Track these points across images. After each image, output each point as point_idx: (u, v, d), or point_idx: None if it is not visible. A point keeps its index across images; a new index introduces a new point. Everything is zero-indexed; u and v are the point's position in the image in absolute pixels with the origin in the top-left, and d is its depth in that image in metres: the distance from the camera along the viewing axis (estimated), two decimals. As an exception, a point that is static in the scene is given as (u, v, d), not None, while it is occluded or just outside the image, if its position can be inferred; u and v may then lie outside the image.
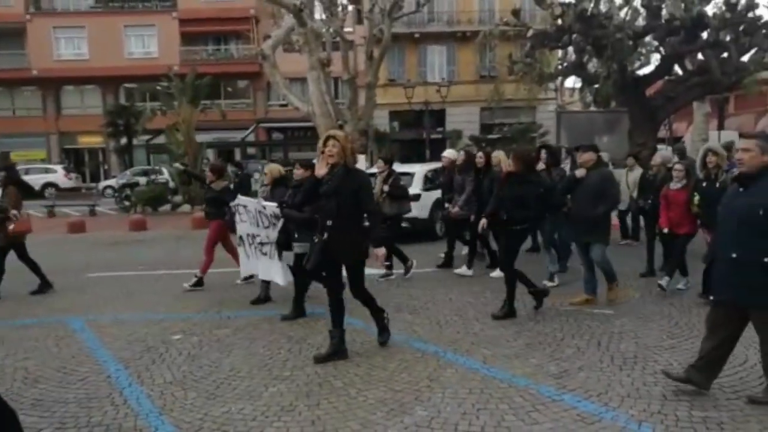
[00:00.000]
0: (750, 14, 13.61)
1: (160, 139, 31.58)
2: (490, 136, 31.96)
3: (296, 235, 6.31)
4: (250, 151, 33.23)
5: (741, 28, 13.73)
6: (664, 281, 6.93)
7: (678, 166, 7.27)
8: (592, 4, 13.34)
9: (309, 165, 6.55)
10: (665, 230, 7.21)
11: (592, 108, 29.39)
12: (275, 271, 6.70)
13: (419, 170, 12.15)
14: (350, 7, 31.44)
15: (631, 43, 13.86)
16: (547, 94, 27.23)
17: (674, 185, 7.12)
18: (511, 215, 6.25)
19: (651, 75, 15.73)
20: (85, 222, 16.44)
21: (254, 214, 6.81)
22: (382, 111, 32.12)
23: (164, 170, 25.67)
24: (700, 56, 15.02)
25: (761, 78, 18.43)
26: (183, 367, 5.03)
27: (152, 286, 8.40)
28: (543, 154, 8.17)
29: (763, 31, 13.76)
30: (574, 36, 13.65)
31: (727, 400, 4.07)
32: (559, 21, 13.47)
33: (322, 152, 4.90)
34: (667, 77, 15.91)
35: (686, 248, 7.11)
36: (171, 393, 4.47)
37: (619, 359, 4.94)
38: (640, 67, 17.62)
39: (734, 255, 3.69)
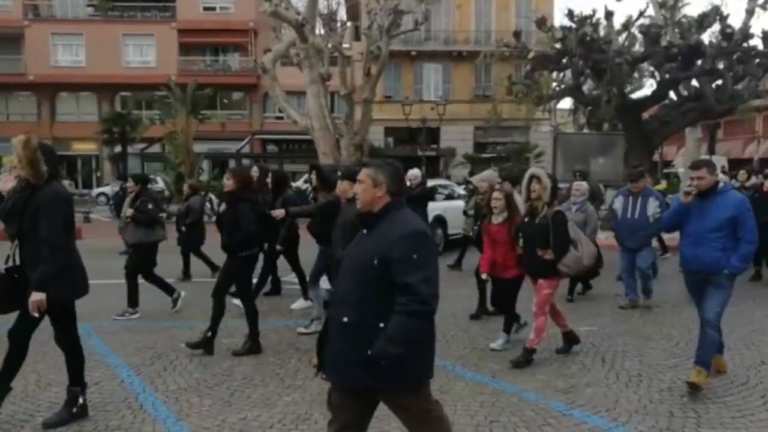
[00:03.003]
0: (745, 44, 13.99)
1: (155, 148, 31.75)
2: (484, 155, 32.33)
3: None
4: (245, 162, 33.29)
5: (735, 56, 14.09)
6: (497, 343, 5.76)
7: (496, 194, 5.82)
8: (592, 29, 13.64)
9: None
10: (483, 276, 5.98)
11: (585, 130, 29.80)
12: None
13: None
14: (349, 24, 31.86)
15: (628, 68, 14.17)
16: (543, 115, 27.62)
17: (495, 219, 5.79)
18: (230, 240, 5.57)
19: (647, 99, 16.07)
20: (81, 229, 16.36)
21: None
22: (378, 127, 32.36)
23: (159, 179, 25.66)
24: (695, 83, 15.39)
25: (752, 105, 18.88)
26: (195, 374, 5.08)
27: (155, 294, 8.41)
28: (313, 175, 6.85)
29: (757, 60, 14.14)
30: (574, 59, 13.94)
31: (732, 418, 4.19)
32: (558, 45, 13.75)
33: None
34: (662, 102, 16.25)
35: (516, 296, 5.87)
36: (186, 399, 4.53)
37: (625, 376, 5.05)
38: (633, 91, 17.92)
39: (346, 319, 2.71)
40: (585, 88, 16.75)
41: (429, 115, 27.98)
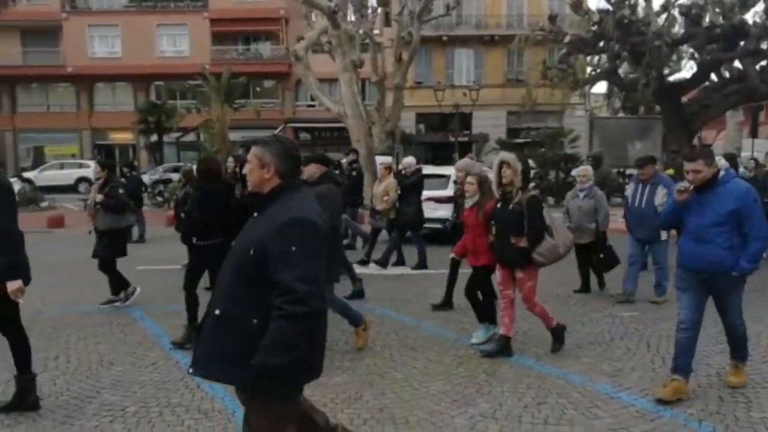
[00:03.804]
0: (790, 23, 13.59)
1: (190, 137, 32.23)
2: (518, 140, 32.07)
3: None
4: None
5: (780, 36, 13.71)
6: (477, 335, 5.59)
7: (469, 179, 5.67)
8: (630, 11, 13.39)
9: None
10: (451, 255, 6.13)
11: (621, 114, 29.27)
12: None
13: (453, 173, 12.33)
14: (379, 10, 31.75)
15: (667, 50, 13.89)
16: (578, 100, 27.24)
17: (466, 203, 5.69)
18: (196, 227, 5.64)
19: (687, 82, 15.74)
20: (123, 216, 16.82)
21: None
22: (409, 113, 32.37)
23: (194, 167, 26.08)
24: (737, 64, 15.00)
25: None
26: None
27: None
28: (231, 162, 7.08)
29: (802, 39, 13.74)
30: (611, 42, 13.72)
31: (783, 402, 4.18)
32: (594, 28, 13.53)
33: None
34: (703, 85, 15.90)
35: (490, 284, 5.65)
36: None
37: (671, 361, 5.05)
38: (671, 73, 17.49)
39: (218, 311, 2.48)
40: (621, 71, 16.49)
41: (461, 100, 27.86)
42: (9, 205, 3.82)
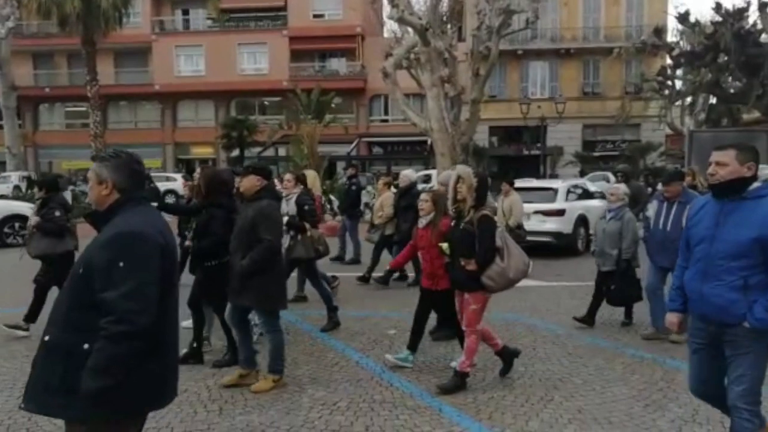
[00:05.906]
0: None
1: (270, 152, 33.36)
2: (595, 153, 31.72)
3: None
4: (354, 164, 34.34)
5: None
6: (394, 357, 5.28)
7: (423, 196, 5.38)
8: (746, 23, 13.20)
9: None
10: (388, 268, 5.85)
11: (704, 127, 28.51)
12: None
13: (562, 185, 12.43)
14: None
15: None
16: (661, 112, 26.84)
17: (420, 222, 5.29)
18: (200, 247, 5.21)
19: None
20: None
21: None
22: (482, 126, 32.34)
23: (276, 182, 26.94)
24: None
25: None
26: (420, 357, 5.52)
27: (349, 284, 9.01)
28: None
29: None
30: (721, 54, 13.53)
31: None
32: (705, 40, 13.38)
33: None
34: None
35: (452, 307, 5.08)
36: (427, 379, 4.96)
37: None
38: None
39: (48, 337, 2.30)
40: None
41: (536, 113, 27.88)
42: None
